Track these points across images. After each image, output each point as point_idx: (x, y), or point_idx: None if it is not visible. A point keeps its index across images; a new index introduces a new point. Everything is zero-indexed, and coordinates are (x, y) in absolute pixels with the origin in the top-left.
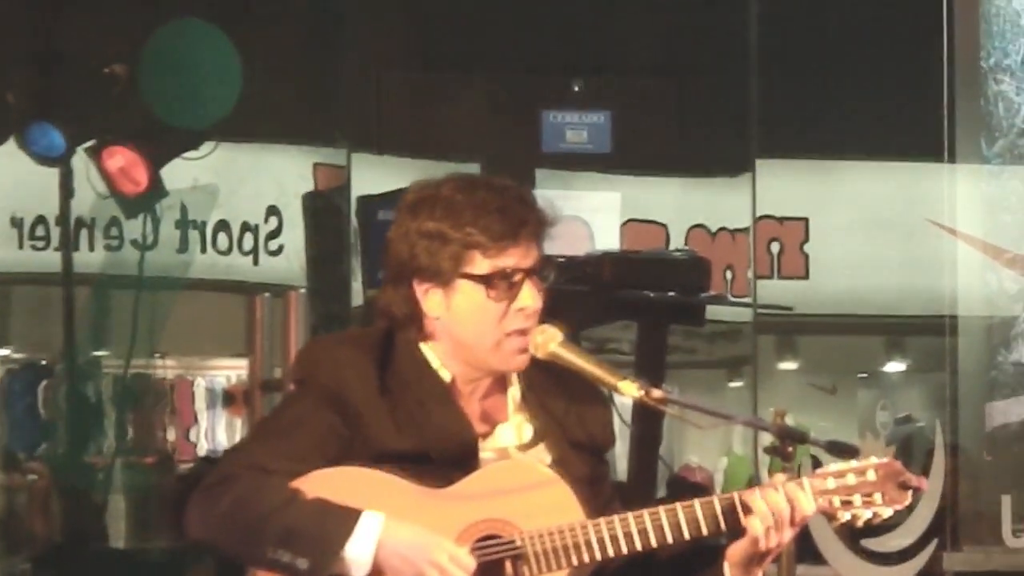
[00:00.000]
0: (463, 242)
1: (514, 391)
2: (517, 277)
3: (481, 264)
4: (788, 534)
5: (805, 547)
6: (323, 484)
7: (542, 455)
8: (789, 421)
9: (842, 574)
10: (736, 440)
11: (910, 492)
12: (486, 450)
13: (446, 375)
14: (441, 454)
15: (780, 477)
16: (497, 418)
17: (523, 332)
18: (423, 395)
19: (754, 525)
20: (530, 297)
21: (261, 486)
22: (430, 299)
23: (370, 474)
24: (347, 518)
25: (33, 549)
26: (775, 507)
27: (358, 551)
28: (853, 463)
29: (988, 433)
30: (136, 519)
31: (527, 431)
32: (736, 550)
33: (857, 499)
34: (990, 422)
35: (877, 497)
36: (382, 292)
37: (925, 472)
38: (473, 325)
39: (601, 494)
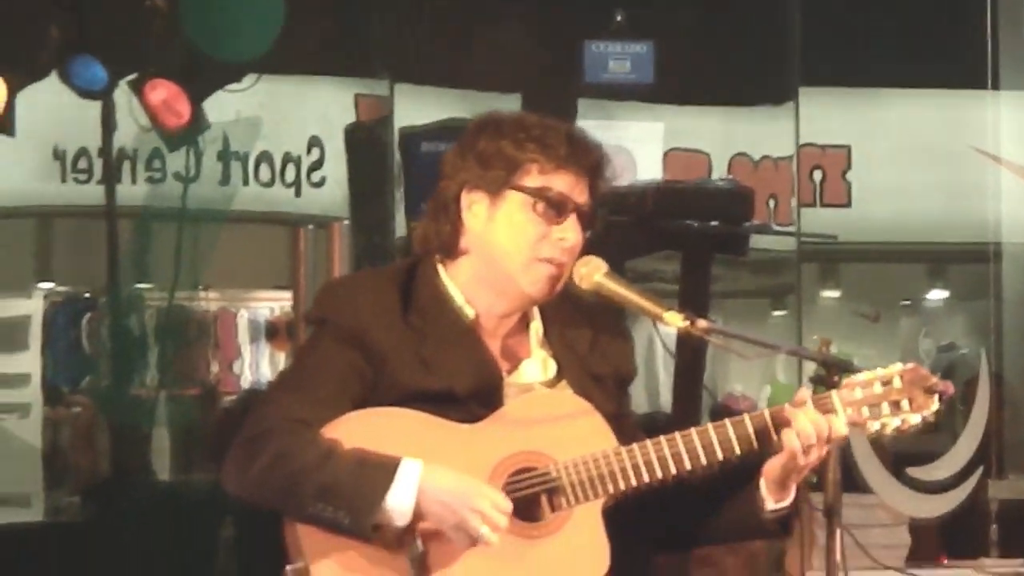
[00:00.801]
0: (522, 155)
1: (536, 326)
2: (565, 203)
3: (534, 179)
4: (825, 448)
5: (850, 476)
6: (355, 428)
7: (565, 390)
8: (833, 350)
9: (888, 502)
10: (780, 369)
11: (936, 397)
12: (511, 386)
13: (469, 312)
14: (466, 392)
15: (806, 392)
16: (520, 355)
17: (555, 263)
18: (447, 333)
19: (791, 440)
20: (572, 230)
21: (296, 441)
22: (474, 210)
23: (402, 414)
24: (386, 468)
25: (78, 482)
26: (815, 422)
27: (399, 500)
28: (879, 371)
29: None
30: (180, 452)
31: (551, 367)
32: (773, 466)
33: (885, 407)
34: None
35: (904, 404)
36: (423, 215)
37: (969, 400)
38: (511, 239)
39: (625, 426)
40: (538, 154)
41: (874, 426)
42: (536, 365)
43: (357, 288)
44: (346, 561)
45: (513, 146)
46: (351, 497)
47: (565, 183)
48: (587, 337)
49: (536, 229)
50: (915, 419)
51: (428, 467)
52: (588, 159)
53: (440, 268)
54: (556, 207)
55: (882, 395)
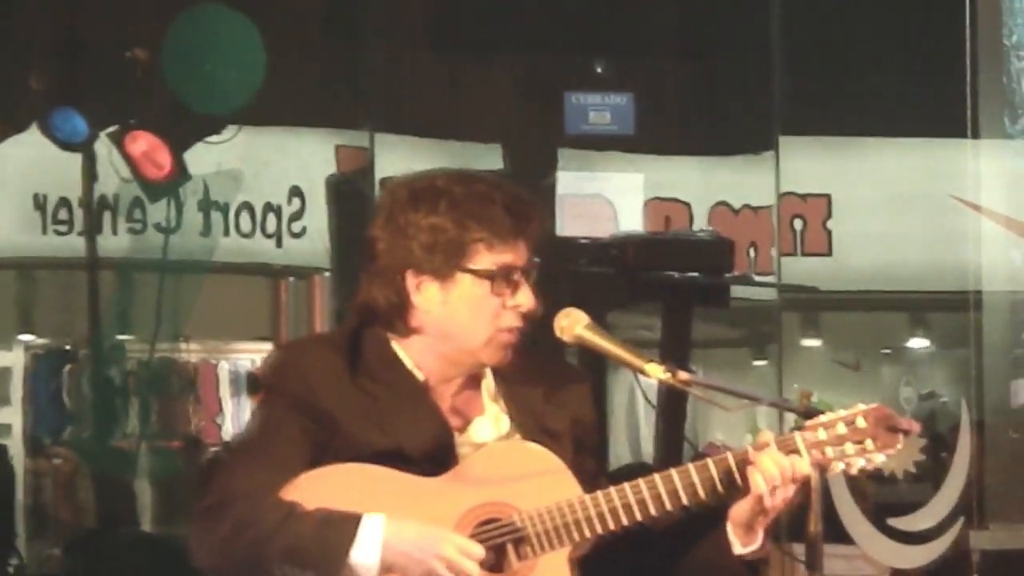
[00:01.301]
0: (467, 237)
1: (488, 382)
2: (517, 275)
3: (485, 259)
4: (791, 489)
5: (832, 527)
6: (315, 486)
7: (525, 441)
8: (815, 399)
9: (869, 553)
10: (761, 418)
11: (901, 435)
12: (464, 445)
13: (419, 375)
14: (418, 452)
15: (768, 434)
16: (472, 412)
17: (512, 330)
18: (396, 394)
19: (758, 482)
20: (526, 296)
21: (257, 507)
22: (424, 292)
23: (362, 469)
24: (348, 525)
25: (60, 534)
26: (779, 464)
27: (364, 556)
28: (842, 412)
29: (1014, 410)
30: (163, 503)
31: (504, 422)
32: (739, 510)
33: (849, 447)
34: (1015, 399)
35: (868, 443)
36: (361, 287)
37: (951, 450)
38: (469, 320)
39: (585, 469)
40: (482, 232)
41: (839, 466)
42: (488, 422)
43: (303, 355)
44: None
45: (455, 227)
46: (315, 557)
47: (513, 255)
48: (540, 391)
49: (494, 305)
50: (879, 458)
51: (391, 520)
52: (530, 224)
53: (389, 337)
54: (509, 281)
55: (846, 435)
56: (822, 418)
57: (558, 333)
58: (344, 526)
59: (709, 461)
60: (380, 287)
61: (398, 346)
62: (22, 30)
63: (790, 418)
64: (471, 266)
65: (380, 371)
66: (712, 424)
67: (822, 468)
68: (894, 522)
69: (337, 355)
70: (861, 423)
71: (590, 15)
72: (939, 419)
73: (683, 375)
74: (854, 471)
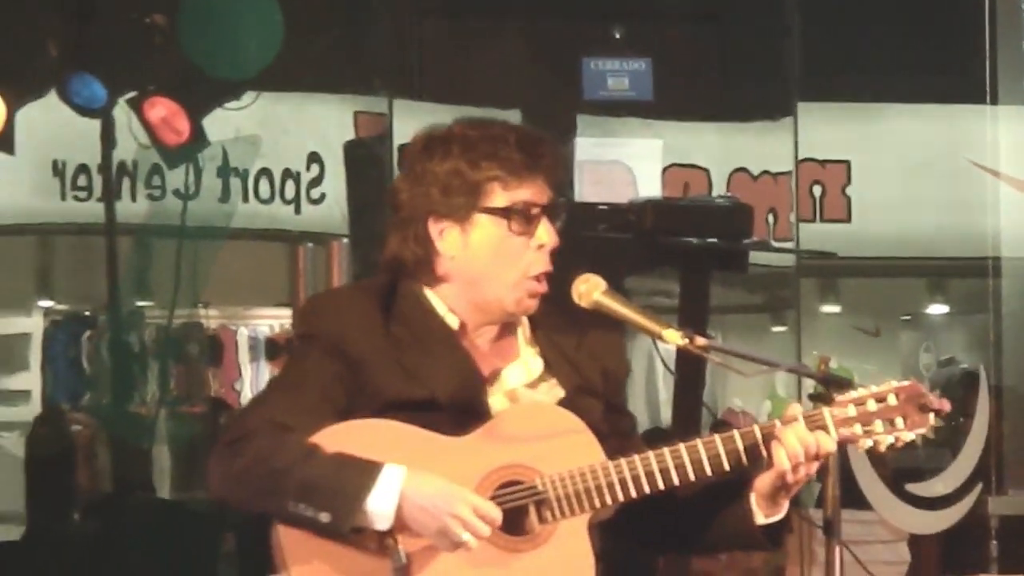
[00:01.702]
0: (482, 176)
1: (523, 329)
2: (535, 212)
3: (500, 197)
4: (814, 466)
5: (850, 492)
6: (340, 438)
7: (554, 390)
8: (833, 365)
9: (887, 518)
10: (779, 384)
11: (931, 415)
12: (495, 393)
13: (453, 321)
14: (448, 399)
15: (798, 408)
16: (507, 358)
17: (540, 278)
18: (429, 341)
19: (781, 459)
20: (547, 234)
21: (278, 442)
22: (447, 238)
23: (387, 425)
24: (368, 471)
25: (79, 499)
26: (803, 440)
27: (380, 504)
28: (873, 388)
29: None
30: (181, 469)
31: (536, 365)
32: (763, 482)
33: (879, 425)
34: None
35: (899, 421)
36: (388, 241)
37: (969, 415)
38: (492, 261)
39: (620, 426)
40: (496, 170)
41: (867, 443)
42: (520, 367)
43: (338, 301)
44: (328, 572)
45: (468, 167)
46: (331, 497)
47: (529, 191)
48: (573, 339)
49: (515, 245)
50: (909, 436)
51: (411, 472)
52: (544, 160)
53: (422, 286)
54: (528, 218)
55: (876, 412)
56: (852, 393)
57: (576, 299)
58: (364, 471)
59: (735, 433)
60: (404, 239)
61: (431, 294)
62: None
63: (809, 384)
64: (487, 204)
65: (413, 319)
66: (731, 390)
67: (850, 443)
68: (912, 487)
69: (372, 303)
70: (892, 400)
71: None
72: (959, 385)
73: (701, 341)
74: (882, 448)
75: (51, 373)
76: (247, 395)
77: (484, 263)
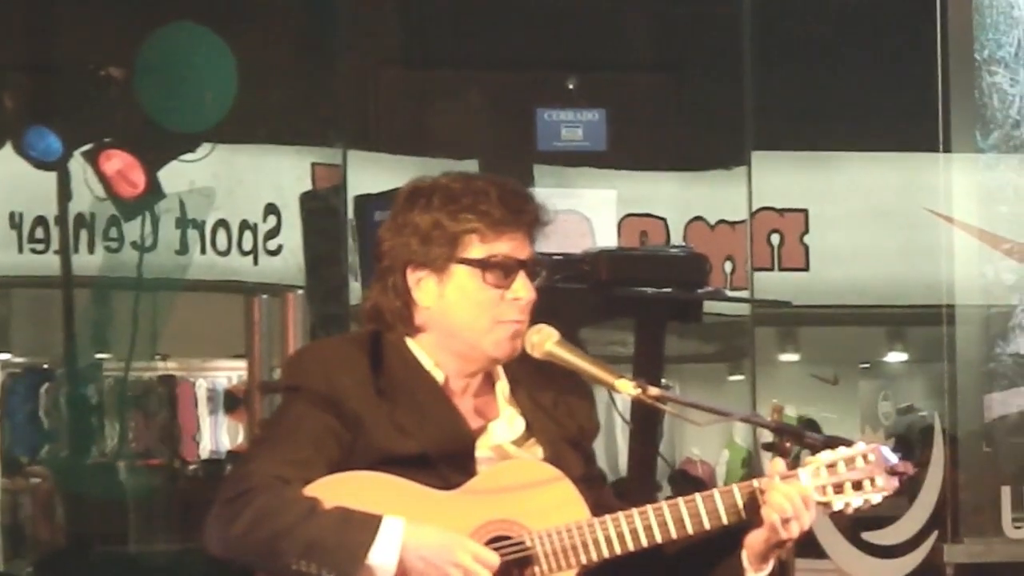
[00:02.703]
0: (460, 227)
1: (502, 386)
2: (512, 265)
3: (477, 249)
4: (807, 520)
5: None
6: (332, 492)
7: (535, 449)
8: (790, 413)
9: (843, 567)
10: (737, 433)
11: (898, 477)
12: (482, 448)
13: (439, 374)
14: (440, 454)
15: (779, 465)
16: (489, 415)
17: (514, 322)
18: (418, 396)
19: (769, 516)
20: (524, 288)
21: (279, 500)
22: (423, 288)
23: (378, 478)
24: (369, 525)
25: (37, 553)
26: (788, 496)
27: (382, 557)
28: (842, 450)
29: (987, 424)
30: (141, 522)
31: (519, 425)
32: (755, 539)
33: (848, 487)
34: (989, 413)
35: (867, 484)
36: (370, 291)
37: (926, 463)
38: (467, 312)
39: (595, 484)
40: (476, 223)
41: (838, 504)
42: (503, 424)
43: (328, 355)
44: None
45: (449, 219)
46: (334, 554)
47: (508, 245)
48: (550, 395)
49: (489, 297)
50: (876, 499)
51: (410, 524)
52: (525, 216)
53: (406, 338)
54: (504, 271)
55: (845, 475)
56: (823, 456)
57: (528, 350)
58: (365, 526)
59: (715, 492)
60: (384, 289)
61: (414, 345)
62: None
63: (765, 433)
64: (464, 256)
65: (400, 373)
66: (688, 439)
67: (823, 506)
68: (868, 536)
69: (362, 356)
70: (860, 463)
71: (562, 32)
72: (917, 433)
73: (654, 391)
74: (851, 510)
75: (9, 426)
76: (206, 447)
77: (458, 313)
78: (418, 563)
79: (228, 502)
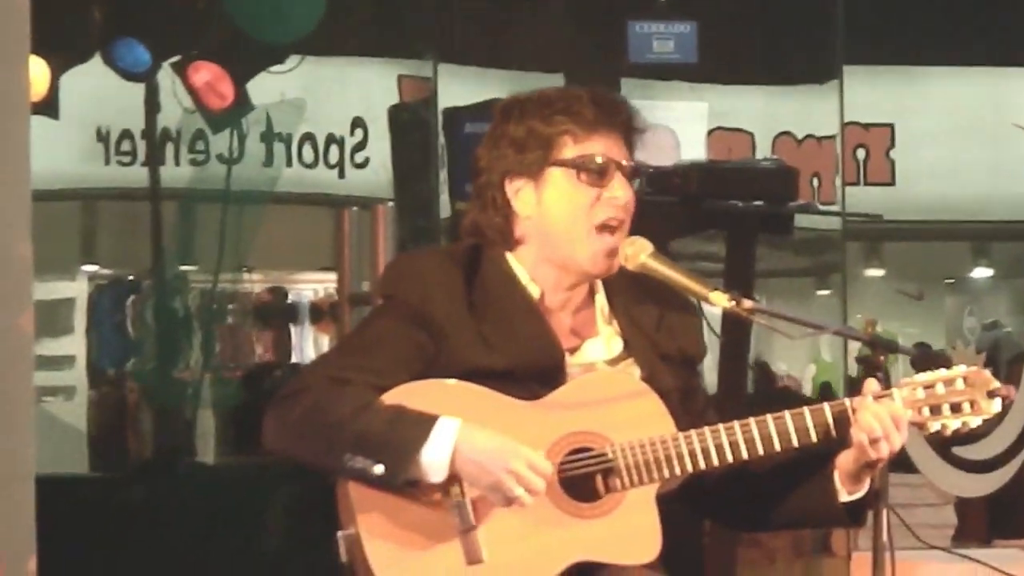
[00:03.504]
0: (553, 130)
1: (602, 303)
2: (608, 164)
3: (571, 149)
4: (898, 441)
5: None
6: (412, 395)
7: (631, 369)
8: (878, 329)
9: (934, 482)
10: (824, 348)
11: (997, 401)
12: (573, 365)
13: (535, 289)
14: (528, 370)
15: (873, 385)
16: (586, 333)
17: (613, 229)
18: (511, 310)
19: (857, 435)
20: (621, 187)
21: (337, 394)
22: (521, 197)
23: (463, 387)
24: (423, 423)
25: (123, 463)
26: (878, 416)
27: (434, 456)
28: (942, 372)
29: None
30: (226, 434)
31: (616, 345)
32: (846, 459)
33: (946, 408)
34: None
35: (966, 406)
36: (468, 209)
37: (1014, 379)
38: (564, 214)
39: (694, 405)
40: (568, 124)
41: (934, 426)
42: (600, 344)
43: (424, 266)
44: (396, 525)
45: (542, 123)
46: (385, 449)
47: (602, 145)
48: (654, 315)
49: (586, 197)
50: (975, 422)
51: (466, 426)
52: (617, 117)
53: (506, 253)
54: (599, 171)
55: (943, 396)
56: (920, 377)
57: (622, 261)
58: (419, 423)
59: (805, 409)
60: (483, 204)
61: (513, 260)
62: None
63: (854, 347)
64: (559, 157)
65: (496, 287)
66: (775, 354)
67: (918, 427)
68: (959, 451)
69: (456, 271)
70: (960, 385)
71: None
72: (1002, 348)
73: (747, 303)
74: (948, 433)
75: (96, 338)
76: (293, 360)
77: (557, 217)
78: (470, 466)
79: (286, 397)
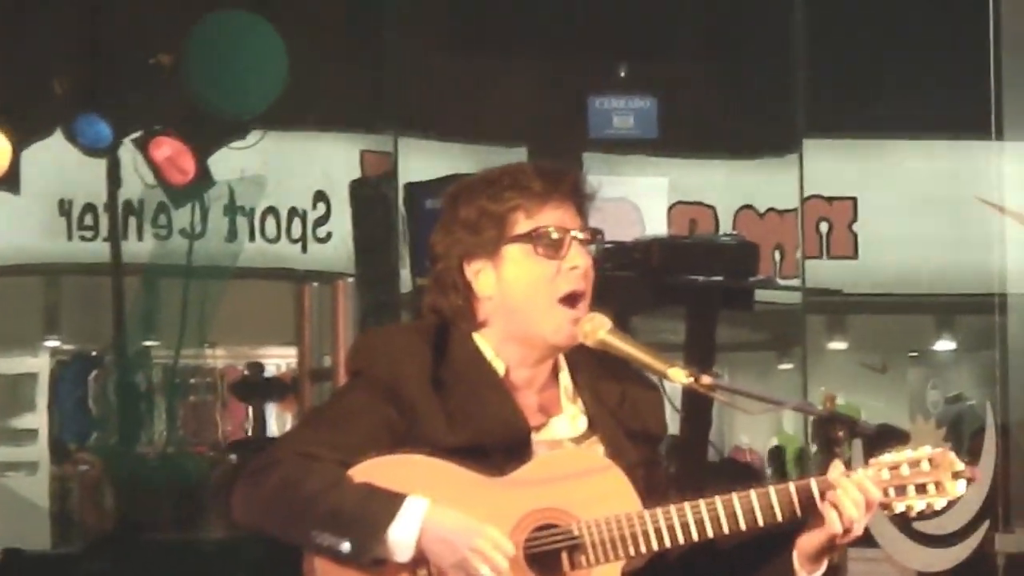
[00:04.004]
0: (504, 207)
1: (566, 382)
2: (563, 235)
3: (524, 224)
4: (863, 524)
5: None
6: (378, 471)
7: (595, 447)
8: (841, 401)
9: (894, 556)
10: (787, 421)
11: (963, 483)
12: (539, 443)
13: (500, 366)
14: (495, 446)
15: (839, 467)
16: (551, 410)
17: (575, 298)
18: (477, 386)
19: (831, 518)
20: (579, 256)
21: (307, 469)
22: (482, 278)
23: (428, 462)
24: (391, 501)
25: (85, 538)
26: (856, 502)
27: (401, 534)
28: (908, 453)
29: None
30: (188, 509)
31: (581, 422)
32: (809, 541)
33: (911, 489)
34: None
35: (931, 488)
36: (428, 293)
37: (976, 452)
38: (526, 289)
39: (657, 483)
40: (518, 199)
41: (899, 507)
42: (565, 421)
43: (393, 342)
44: None
45: (492, 202)
46: (354, 526)
47: (554, 216)
48: (616, 392)
49: (545, 270)
50: (940, 503)
51: (434, 505)
52: (565, 184)
53: (470, 331)
54: (555, 241)
55: (908, 477)
56: (886, 458)
57: (580, 338)
58: (388, 502)
59: (771, 489)
60: (443, 290)
61: (479, 339)
62: (46, 35)
63: (816, 422)
64: (513, 233)
65: (462, 364)
66: (738, 427)
67: (883, 507)
68: (919, 525)
69: (425, 346)
70: (925, 466)
71: (613, 19)
72: (966, 422)
73: (706, 379)
74: (913, 514)
75: (58, 413)
76: (254, 435)
77: (519, 293)
78: (436, 544)
79: (255, 471)
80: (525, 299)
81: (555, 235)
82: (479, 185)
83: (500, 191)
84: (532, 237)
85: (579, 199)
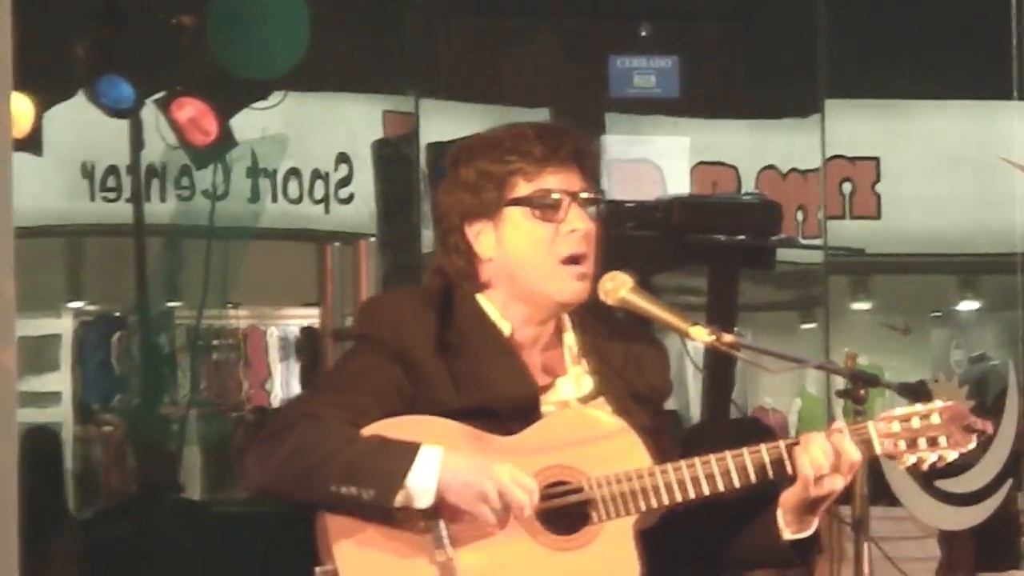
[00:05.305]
0: (504, 169)
1: (570, 342)
2: (562, 198)
3: (524, 187)
4: (840, 482)
5: (879, 488)
6: (390, 431)
7: (603, 407)
8: (862, 362)
9: (916, 515)
10: (809, 381)
11: (975, 435)
12: (547, 403)
13: (505, 327)
14: (503, 408)
15: (840, 423)
16: (556, 371)
17: (577, 259)
18: (483, 349)
19: (803, 469)
20: (579, 219)
21: (322, 429)
22: (482, 240)
23: (439, 423)
24: (408, 450)
25: (108, 500)
26: (825, 452)
27: (421, 480)
28: (918, 407)
29: None
30: (211, 470)
31: (586, 383)
32: (789, 496)
33: (922, 442)
34: None
35: (942, 440)
36: (435, 255)
37: (999, 412)
38: (526, 252)
39: (663, 442)
40: (519, 163)
41: (910, 460)
42: (570, 382)
43: (399, 306)
44: (374, 560)
45: (492, 164)
46: (373, 476)
47: (554, 179)
48: (620, 352)
49: (544, 232)
50: (951, 456)
51: (449, 452)
52: (565, 148)
53: (476, 294)
54: (554, 205)
55: (920, 430)
56: (897, 410)
57: (602, 296)
58: (403, 452)
59: (762, 447)
60: (447, 250)
61: (484, 300)
62: None
63: (838, 381)
64: (513, 196)
65: (468, 327)
66: (761, 388)
67: (893, 459)
68: (942, 484)
69: (429, 309)
70: (936, 419)
71: None
72: (989, 381)
73: (728, 338)
74: (924, 467)
75: (81, 374)
76: (277, 395)
77: (519, 256)
78: (456, 485)
79: (267, 437)
80: (525, 262)
81: (554, 198)
82: (481, 147)
83: (501, 154)
84: (531, 200)
85: (580, 160)
